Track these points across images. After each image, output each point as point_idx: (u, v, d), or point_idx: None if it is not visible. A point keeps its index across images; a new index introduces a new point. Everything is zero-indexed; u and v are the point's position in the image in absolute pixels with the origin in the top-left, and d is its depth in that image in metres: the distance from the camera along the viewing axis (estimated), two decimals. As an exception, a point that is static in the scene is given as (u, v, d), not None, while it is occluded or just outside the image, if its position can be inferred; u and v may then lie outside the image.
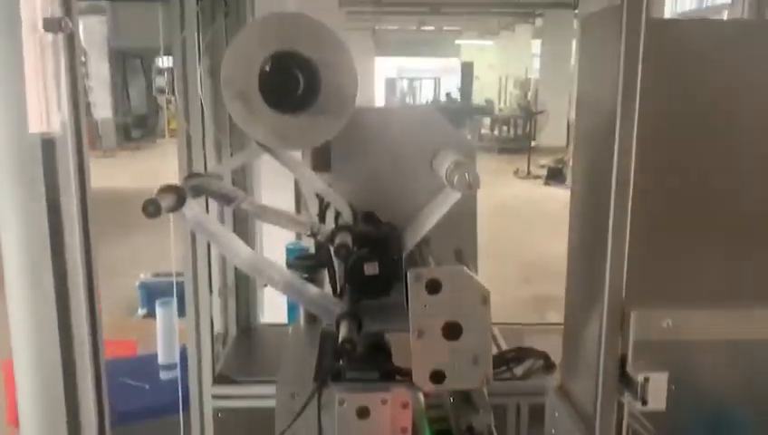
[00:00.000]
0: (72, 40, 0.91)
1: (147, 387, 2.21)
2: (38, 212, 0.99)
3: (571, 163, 11.22)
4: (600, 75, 1.09)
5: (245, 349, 1.99)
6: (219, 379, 1.68)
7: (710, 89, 1.01)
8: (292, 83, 1.16)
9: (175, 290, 1.87)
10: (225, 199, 1.22)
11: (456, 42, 22.79)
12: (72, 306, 0.94)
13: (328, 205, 1.48)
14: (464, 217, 1.42)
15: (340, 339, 1.18)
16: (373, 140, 1.40)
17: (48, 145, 1.00)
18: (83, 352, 0.97)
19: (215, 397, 1.65)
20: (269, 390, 1.62)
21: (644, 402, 0.90)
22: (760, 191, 1.01)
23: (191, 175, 1.32)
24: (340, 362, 1.27)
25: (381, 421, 1.16)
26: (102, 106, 13.66)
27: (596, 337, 1.00)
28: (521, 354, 1.77)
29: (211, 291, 1.65)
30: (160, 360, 2.27)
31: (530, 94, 16.06)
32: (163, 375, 2.25)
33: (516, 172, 12.19)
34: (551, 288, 5.76)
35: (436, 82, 21.56)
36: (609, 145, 0.96)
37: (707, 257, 0.98)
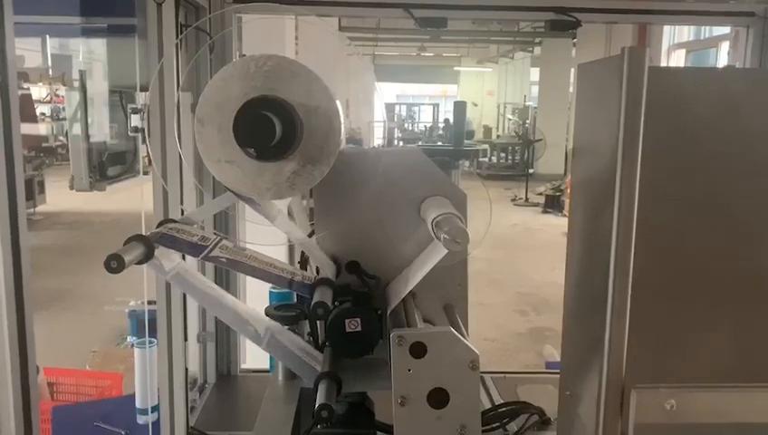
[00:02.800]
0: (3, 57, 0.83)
1: (123, 433, 2.11)
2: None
3: (568, 191, 11.20)
4: (599, 124, 1.02)
5: (224, 398, 1.89)
6: (193, 433, 1.58)
7: (713, 140, 0.94)
8: (271, 129, 1.08)
9: (156, 324, 1.78)
10: (193, 250, 1.14)
11: (456, 68, 22.94)
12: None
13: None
14: (454, 269, 1.34)
15: (317, 404, 1.09)
16: (357, 185, 1.32)
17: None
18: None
19: (188, 453, 1.55)
20: (246, 445, 1.52)
21: (647, 497, 0.81)
22: None
23: (165, 221, 1.25)
24: (318, 426, 1.18)
25: (359, 497, 1.07)
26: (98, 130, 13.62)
27: (593, 413, 0.91)
28: (514, 409, 1.68)
29: (186, 336, 1.56)
30: (138, 404, 2.16)
31: (528, 122, 16.09)
32: (140, 420, 2.15)
33: (514, 199, 12.16)
34: (548, 320, 5.71)
35: (435, 108, 21.65)
36: (608, 199, 0.89)
37: (716, 332, 0.90)
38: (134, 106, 1.98)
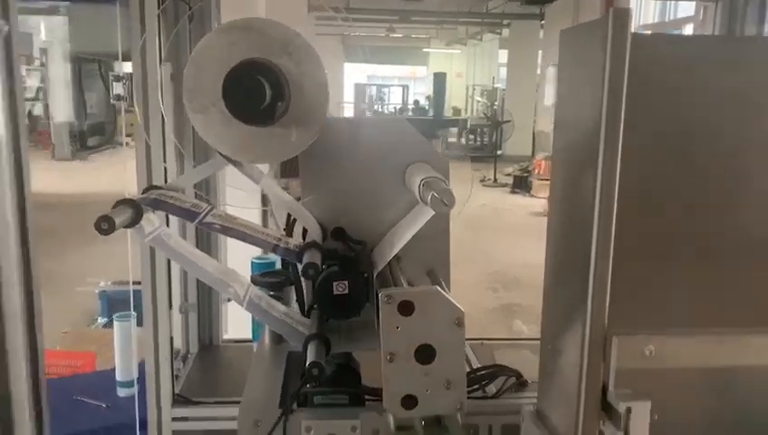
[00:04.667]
0: (9, 43, 0.83)
1: (104, 406, 2.11)
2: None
3: (536, 172, 11.33)
4: (581, 91, 1.06)
5: (207, 367, 1.91)
6: (179, 400, 1.60)
7: (696, 106, 0.99)
8: (260, 94, 1.10)
9: (132, 301, 1.79)
10: (187, 215, 1.15)
11: (425, 50, 22.91)
12: (7, 325, 0.86)
13: (295, 219, 1.42)
14: (436, 236, 1.37)
15: (307, 362, 1.12)
16: (343, 152, 1.34)
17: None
18: (20, 376, 0.88)
19: (174, 419, 1.57)
20: (231, 411, 1.55)
21: (626, 433, 0.86)
22: (746, 215, 0.99)
23: (150, 187, 1.25)
24: (307, 386, 1.21)
25: (351, 450, 1.11)
26: (62, 109, 13.25)
27: (576, 363, 0.96)
28: (493, 372, 1.74)
29: (171, 306, 1.57)
30: (118, 377, 2.16)
31: (496, 103, 16.22)
32: (121, 393, 2.15)
33: (483, 180, 12.29)
34: (517, 297, 5.84)
35: (405, 89, 21.61)
36: (590, 163, 0.93)
37: (692, 283, 0.96)
38: (116, 74, 1.95)
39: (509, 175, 12.27)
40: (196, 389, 1.72)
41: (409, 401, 1.11)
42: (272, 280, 1.47)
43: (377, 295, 1.18)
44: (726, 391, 0.96)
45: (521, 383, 1.74)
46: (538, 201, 10.40)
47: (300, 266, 1.24)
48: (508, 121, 14.05)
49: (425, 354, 1.10)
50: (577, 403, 0.94)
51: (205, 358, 1.95)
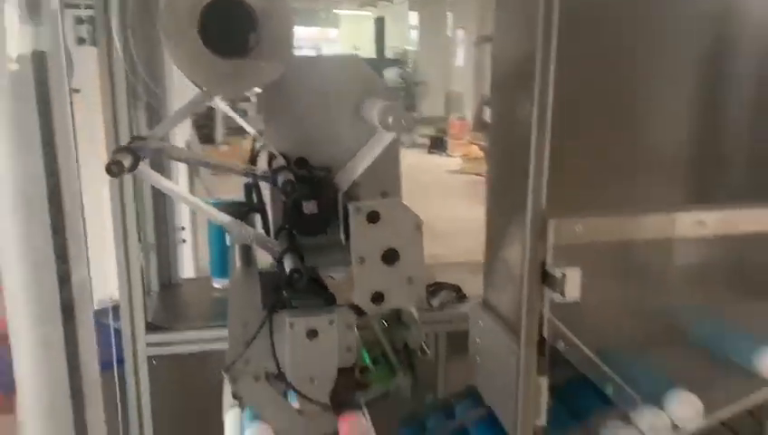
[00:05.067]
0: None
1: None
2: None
3: (451, 132, 11.64)
4: (517, 25, 1.25)
5: (170, 301, 2.00)
6: (151, 327, 1.70)
7: (618, 35, 1.21)
8: (233, 27, 1.21)
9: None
10: (175, 154, 1.27)
11: (335, 11, 22.67)
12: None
13: (259, 150, 1.55)
14: (389, 162, 1.54)
15: (288, 269, 1.28)
16: (301, 88, 1.47)
17: None
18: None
19: (149, 344, 1.67)
20: (201, 335, 1.69)
21: (562, 294, 1.08)
22: (658, 127, 1.23)
23: (135, 139, 1.34)
24: (285, 293, 1.36)
25: (329, 341, 1.27)
26: None
27: (519, 247, 1.17)
28: (436, 288, 1.95)
29: (140, 240, 1.66)
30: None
31: (410, 66, 16.43)
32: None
33: (402, 143, 12.52)
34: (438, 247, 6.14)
35: (318, 51, 21.39)
36: (527, 84, 1.12)
37: (611, 179, 1.20)
38: (78, 15, 1.95)
39: (425, 136, 12.58)
40: (162, 319, 1.82)
41: (377, 298, 1.29)
42: (237, 209, 1.59)
43: (344, 214, 1.35)
44: (638, 260, 1.22)
45: (460, 297, 1.96)
46: (454, 160, 10.78)
47: (265, 193, 1.39)
48: (422, 83, 14.32)
49: (390, 257, 1.27)
50: (521, 280, 1.15)
51: (166, 294, 2.05)
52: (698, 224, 1.19)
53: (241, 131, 1.88)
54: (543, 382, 1.18)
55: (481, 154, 7.00)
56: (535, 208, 1.09)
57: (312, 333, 1.27)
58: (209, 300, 1.88)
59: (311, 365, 1.28)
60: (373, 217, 1.27)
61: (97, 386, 1.27)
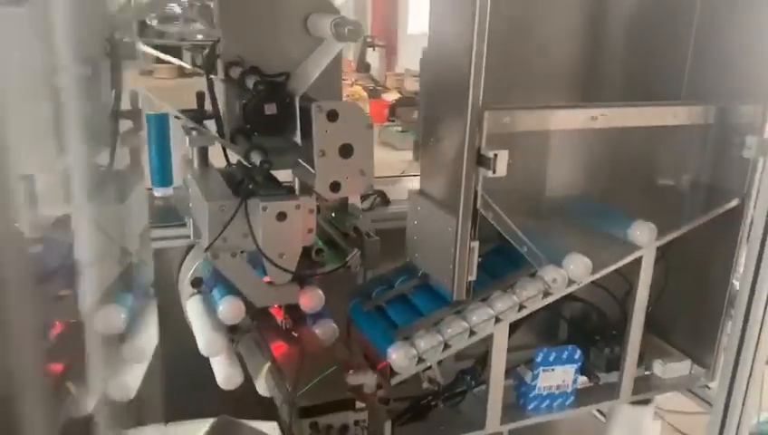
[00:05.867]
0: None
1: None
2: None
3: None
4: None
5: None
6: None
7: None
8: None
9: None
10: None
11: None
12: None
13: (217, 56, 1.67)
14: (331, 73, 1.73)
15: (258, 162, 1.46)
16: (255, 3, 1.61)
17: None
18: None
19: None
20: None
21: (494, 171, 1.38)
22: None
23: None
24: (249, 185, 1.53)
25: (295, 223, 1.48)
26: None
27: (456, 138, 1.45)
28: (363, 194, 2.19)
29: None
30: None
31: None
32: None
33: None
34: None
35: None
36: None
37: (529, 86, 1.53)
38: None
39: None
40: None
41: (335, 187, 1.51)
42: (196, 114, 1.72)
43: (301, 115, 1.53)
44: (554, 147, 1.56)
45: (386, 201, 2.24)
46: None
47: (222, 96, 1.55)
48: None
49: (346, 151, 1.48)
50: (459, 164, 1.43)
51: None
52: (591, 119, 1.53)
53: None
54: (475, 245, 1.49)
55: (365, 94, 7.18)
56: (474, 102, 1.36)
57: (282, 216, 1.47)
58: (153, 207, 2.01)
59: (280, 243, 1.49)
60: (332, 116, 1.46)
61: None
